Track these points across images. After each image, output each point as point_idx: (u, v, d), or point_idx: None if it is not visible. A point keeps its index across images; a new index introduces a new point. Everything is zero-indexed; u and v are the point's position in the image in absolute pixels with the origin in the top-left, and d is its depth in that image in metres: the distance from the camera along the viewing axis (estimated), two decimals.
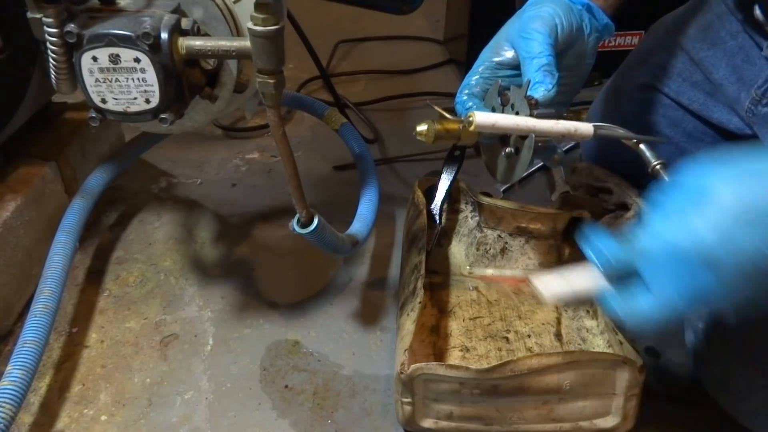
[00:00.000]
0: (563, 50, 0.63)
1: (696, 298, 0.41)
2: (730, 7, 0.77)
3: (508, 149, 0.61)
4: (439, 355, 0.73)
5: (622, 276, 0.44)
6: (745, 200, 0.39)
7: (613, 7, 0.67)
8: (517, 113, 0.59)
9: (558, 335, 0.76)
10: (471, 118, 0.56)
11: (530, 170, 1.09)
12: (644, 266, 0.43)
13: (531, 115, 0.57)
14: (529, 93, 0.59)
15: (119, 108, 0.57)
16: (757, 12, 0.72)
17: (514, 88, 0.60)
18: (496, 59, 0.64)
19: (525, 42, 0.61)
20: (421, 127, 0.62)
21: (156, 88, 0.55)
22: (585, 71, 0.67)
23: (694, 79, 0.80)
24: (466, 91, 0.64)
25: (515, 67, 0.63)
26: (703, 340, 0.69)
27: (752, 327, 0.64)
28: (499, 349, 0.73)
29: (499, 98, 0.61)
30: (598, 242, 0.45)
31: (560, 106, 0.64)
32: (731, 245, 0.39)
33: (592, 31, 0.65)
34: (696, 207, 0.40)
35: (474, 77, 0.65)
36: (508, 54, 0.64)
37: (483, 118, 0.56)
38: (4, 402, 0.60)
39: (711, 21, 0.79)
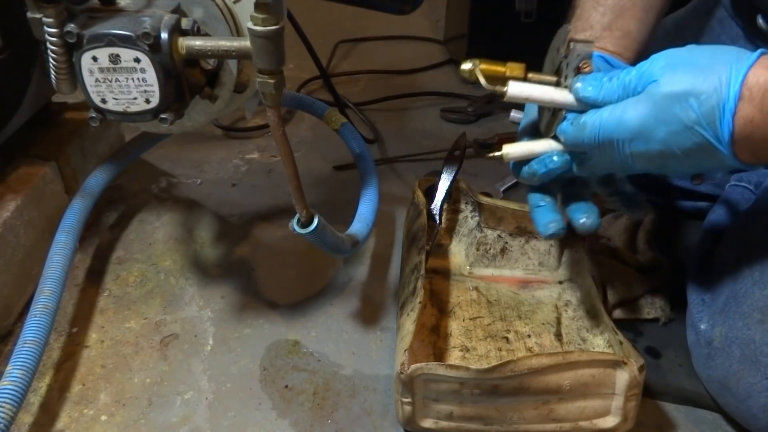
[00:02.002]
0: None
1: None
2: (731, 13, 0.76)
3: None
4: (439, 355, 0.73)
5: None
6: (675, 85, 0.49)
7: (630, 60, 0.67)
8: (565, 77, 0.58)
9: (558, 335, 0.76)
10: (505, 88, 0.58)
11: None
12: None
13: (569, 87, 0.57)
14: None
15: (119, 108, 0.57)
16: (761, 21, 0.71)
17: (576, 47, 0.58)
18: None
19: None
20: (466, 66, 0.60)
21: (156, 88, 0.55)
22: None
23: None
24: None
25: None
26: (704, 341, 0.69)
27: (756, 329, 0.64)
28: (499, 349, 0.73)
29: (563, 49, 0.60)
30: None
31: None
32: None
33: None
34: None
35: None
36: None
37: (517, 89, 0.58)
38: (4, 402, 0.60)
39: (712, 26, 0.78)
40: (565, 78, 0.58)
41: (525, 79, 0.59)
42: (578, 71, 0.57)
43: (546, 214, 0.62)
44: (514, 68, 0.59)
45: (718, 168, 0.54)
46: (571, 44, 0.58)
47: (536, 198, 0.64)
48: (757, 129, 0.48)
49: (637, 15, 0.68)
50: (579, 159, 0.59)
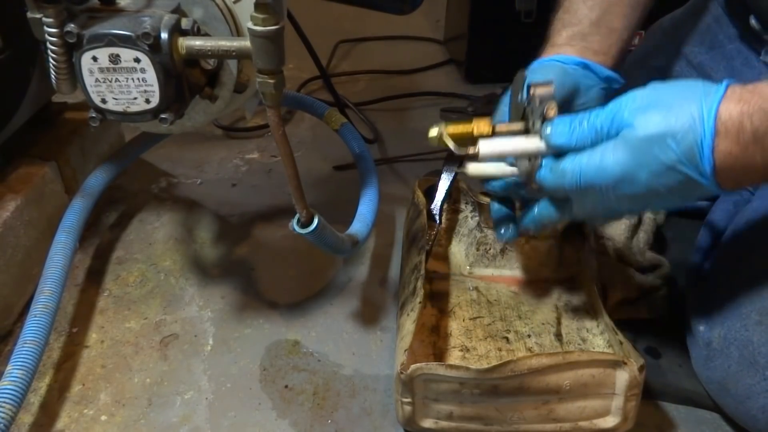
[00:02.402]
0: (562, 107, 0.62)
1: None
2: (727, 13, 0.77)
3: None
4: (439, 355, 0.73)
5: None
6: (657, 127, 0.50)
7: (615, 59, 0.68)
8: (532, 124, 0.58)
9: (558, 335, 0.76)
10: (477, 150, 0.57)
11: None
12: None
13: (539, 132, 0.56)
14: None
15: (119, 108, 0.57)
16: (753, 22, 0.72)
17: (536, 91, 0.58)
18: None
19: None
20: (432, 133, 0.60)
21: (156, 88, 0.55)
22: None
23: None
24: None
25: None
26: (703, 342, 0.69)
27: (754, 330, 0.64)
28: (499, 349, 0.73)
29: (526, 93, 0.60)
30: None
31: None
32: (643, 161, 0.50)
33: (592, 86, 0.66)
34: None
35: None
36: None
37: (488, 148, 0.57)
38: (4, 402, 0.60)
39: (709, 24, 0.78)
40: (533, 124, 0.58)
41: (493, 133, 0.59)
42: (544, 118, 0.56)
43: (502, 221, 0.69)
44: (480, 124, 0.59)
45: (702, 198, 0.54)
46: (532, 90, 0.58)
47: (495, 206, 0.70)
48: (737, 161, 0.48)
49: (624, 11, 0.68)
50: (561, 205, 0.59)
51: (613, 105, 0.53)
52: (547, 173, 0.56)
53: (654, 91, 0.52)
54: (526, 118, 0.60)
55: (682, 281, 0.78)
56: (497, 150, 0.58)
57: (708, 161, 0.48)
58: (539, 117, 0.57)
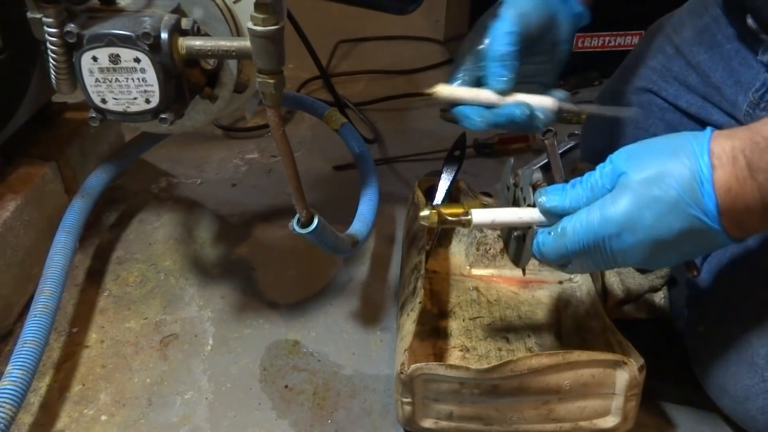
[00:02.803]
0: (536, 37, 0.62)
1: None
2: (725, 14, 0.77)
3: (516, 233, 0.61)
4: (439, 355, 0.73)
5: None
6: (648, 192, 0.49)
7: None
8: (523, 199, 0.58)
9: (558, 335, 0.76)
10: (469, 216, 0.57)
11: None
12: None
13: (532, 205, 0.56)
14: (487, 85, 0.59)
15: (119, 108, 0.57)
16: (750, 21, 0.72)
17: (524, 171, 0.59)
18: (478, 47, 0.62)
19: (491, 32, 0.60)
20: (424, 213, 0.59)
21: (156, 88, 0.55)
22: (562, 57, 0.66)
23: (691, 83, 0.80)
24: (457, 83, 0.63)
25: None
26: (702, 343, 0.69)
27: (752, 332, 0.64)
28: (499, 349, 0.73)
29: (512, 178, 0.61)
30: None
31: (540, 86, 0.64)
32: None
33: (566, 20, 0.65)
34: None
35: (461, 70, 0.63)
36: (486, 41, 0.62)
37: (481, 216, 0.57)
38: (4, 402, 0.60)
39: (707, 24, 0.78)
40: (524, 199, 0.58)
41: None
42: (534, 188, 0.56)
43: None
44: (471, 204, 0.59)
45: (711, 250, 0.52)
46: (519, 171, 0.58)
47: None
48: (737, 198, 0.48)
49: None
50: (559, 266, 0.57)
51: (604, 163, 0.53)
52: (546, 237, 0.54)
53: (643, 144, 0.52)
54: (517, 203, 0.60)
55: (683, 281, 0.78)
56: (489, 217, 0.57)
57: (710, 197, 0.47)
58: (529, 190, 0.57)
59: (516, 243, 0.61)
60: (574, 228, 0.52)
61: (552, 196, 0.54)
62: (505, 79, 0.59)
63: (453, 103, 0.62)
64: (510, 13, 0.60)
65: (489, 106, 0.61)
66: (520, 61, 0.60)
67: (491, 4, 0.63)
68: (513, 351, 0.73)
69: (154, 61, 0.54)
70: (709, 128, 0.50)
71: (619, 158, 0.52)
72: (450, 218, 0.58)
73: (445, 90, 0.61)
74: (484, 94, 0.60)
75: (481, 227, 0.58)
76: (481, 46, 0.61)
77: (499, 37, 0.59)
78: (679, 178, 0.48)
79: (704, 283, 0.72)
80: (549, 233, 0.54)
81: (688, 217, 0.48)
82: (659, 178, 0.49)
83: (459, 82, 0.62)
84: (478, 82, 0.63)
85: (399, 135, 1.25)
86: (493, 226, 0.58)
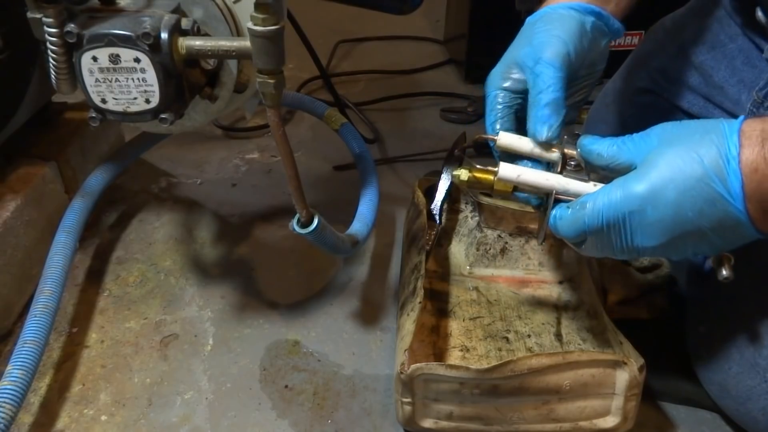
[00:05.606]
0: (577, 68, 0.61)
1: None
2: (729, 11, 0.76)
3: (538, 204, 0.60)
4: (439, 355, 0.73)
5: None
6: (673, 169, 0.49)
7: (624, 11, 0.66)
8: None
9: (558, 335, 0.76)
10: (497, 168, 0.57)
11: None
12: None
13: (560, 172, 0.56)
14: (531, 131, 0.58)
15: (119, 108, 0.57)
16: (759, 14, 0.71)
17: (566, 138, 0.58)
18: (506, 85, 0.62)
19: (534, 76, 0.58)
20: (458, 172, 0.60)
21: (156, 88, 0.55)
22: (598, 75, 0.66)
23: (693, 83, 0.80)
24: (497, 126, 0.62)
25: (526, 91, 0.60)
26: (704, 343, 0.69)
27: (754, 332, 0.64)
28: (499, 349, 0.73)
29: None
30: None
31: (573, 109, 0.64)
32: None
33: (602, 40, 0.64)
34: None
35: (495, 111, 0.62)
36: (519, 77, 0.61)
37: (508, 170, 0.57)
38: (4, 402, 0.60)
39: (710, 24, 0.78)
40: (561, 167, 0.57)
41: (514, 190, 0.58)
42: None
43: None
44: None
45: (736, 243, 0.51)
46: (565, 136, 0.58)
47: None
48: (763, 181, 0.47)
49: None
50: (573, 244, 0.56)
51: (638, 135, 0.53)
52: (564, 211, 0.54)
53: (678, 124, 0.52)
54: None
55: (682, 281, 0.78)
56: (516, 173, 0.56)
57: (735, 174, 0.47)
58: (573, 139, 0.56)
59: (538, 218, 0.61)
60: (595, 202, 0.51)
61: (593, 138, 0.54)
62: (554, 125, 0.57)
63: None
64: (552, 54, 0.58)
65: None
66: (566, 109, 0.58)
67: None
68: (513, 351, 0.73)
69: (154, 61, 0.54)
70: (742, 115, 0.49)
71: (654, 132, 0.52)
72: (478, 174, 0.59)
73: (509, 172, 0.57)
74: (548, 176, 0.56)
75: (506, 181, 0.57)
76: (519, 83, 0.61)
77: (549, 81, 0.57)
78: (705, 155, 0.48)
79: (706, 282, 0.72)
80: (567, 207, 0.54)
81: (711, 194, 0.48)
82: (686, 153, 0.49)
83: (499, 126, 0.62)
84: (516, 118, 0.62)
85: (399, 135, 1.25)
86: (517, 182, 0.57)
